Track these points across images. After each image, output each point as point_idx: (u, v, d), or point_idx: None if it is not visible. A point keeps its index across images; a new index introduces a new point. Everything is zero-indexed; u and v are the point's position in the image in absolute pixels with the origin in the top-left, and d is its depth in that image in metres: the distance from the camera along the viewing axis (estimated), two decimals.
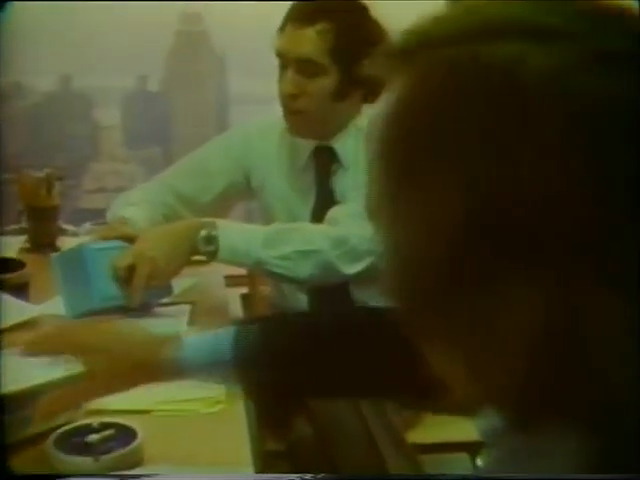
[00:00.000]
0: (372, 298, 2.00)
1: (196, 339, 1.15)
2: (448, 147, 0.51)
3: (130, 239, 1.75)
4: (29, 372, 1.28)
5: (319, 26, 1.83)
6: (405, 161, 0.54)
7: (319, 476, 1.03)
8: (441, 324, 0.54)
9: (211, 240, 1.74)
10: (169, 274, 1.76)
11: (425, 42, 0.53)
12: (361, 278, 1.84)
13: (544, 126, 0.48)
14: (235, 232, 1.77)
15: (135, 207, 1.92)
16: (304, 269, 1.76)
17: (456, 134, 0.51)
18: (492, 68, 0.49)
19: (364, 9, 1.88)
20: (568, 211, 0.48)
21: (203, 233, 1.73)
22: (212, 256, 1.75)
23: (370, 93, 1.90)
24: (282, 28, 1.88)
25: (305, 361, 1.15)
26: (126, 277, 1.69)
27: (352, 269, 1.80)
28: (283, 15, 1.89)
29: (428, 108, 0.52)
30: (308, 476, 0.89)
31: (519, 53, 0.49)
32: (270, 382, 1.16)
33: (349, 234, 1.79)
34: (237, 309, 1.90)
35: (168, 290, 1.80)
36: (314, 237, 1.78)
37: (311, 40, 1.84)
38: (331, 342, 1.13)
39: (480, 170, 0.50)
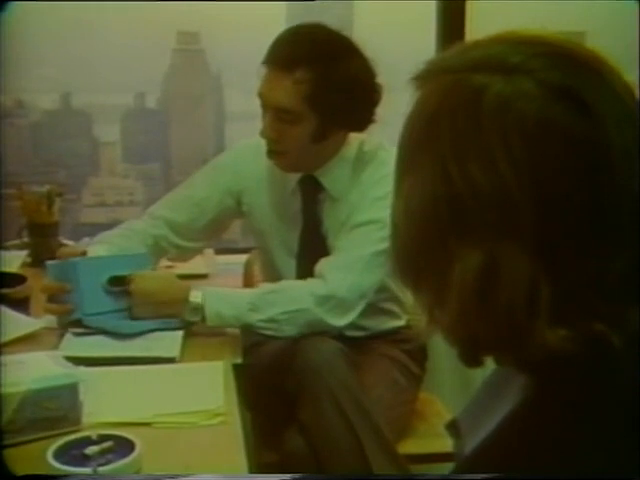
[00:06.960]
0: (379, 324, 2.04)
1: None
2: (432, 146, 0.69)
3: None
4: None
5: (297, 74, 1.76)
6: (407, 153, 0.73)
7: (310, 476, 1.06)
8: (414, 276, 0.74)
9: (197, 310, 1.79)
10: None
11: (429, 72, 0.73)
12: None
13: (494, 138, 0.66)
14: (221, 299, 1.80)
15: (99, 245, 1.92)
16: (291, 328, 1.78)
17: (436, 138, 0.69)
18: (465, 93, 0.69)
19: (347, 47, 1.80)
20: (498, 203, 0.66)
21: (190, 305, 1.78)
22: (200, 322, 1.80)
23: (354, 127, 1.86)
24: (265, 62, 1.81)
25: None
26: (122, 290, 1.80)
27: (343, 321, 1.81)
28: (278, 34, 1.82)
29: (425, 116, 0.71)
30: (299, 476, 0.92)
31: (485, 83, 0.68)
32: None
33: (336, 288, 1.79)
34: None
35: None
36: (299, 296, 1.79)
37: (287, 90, 1.77)
38: None
39: (449, 166, 0.67)
